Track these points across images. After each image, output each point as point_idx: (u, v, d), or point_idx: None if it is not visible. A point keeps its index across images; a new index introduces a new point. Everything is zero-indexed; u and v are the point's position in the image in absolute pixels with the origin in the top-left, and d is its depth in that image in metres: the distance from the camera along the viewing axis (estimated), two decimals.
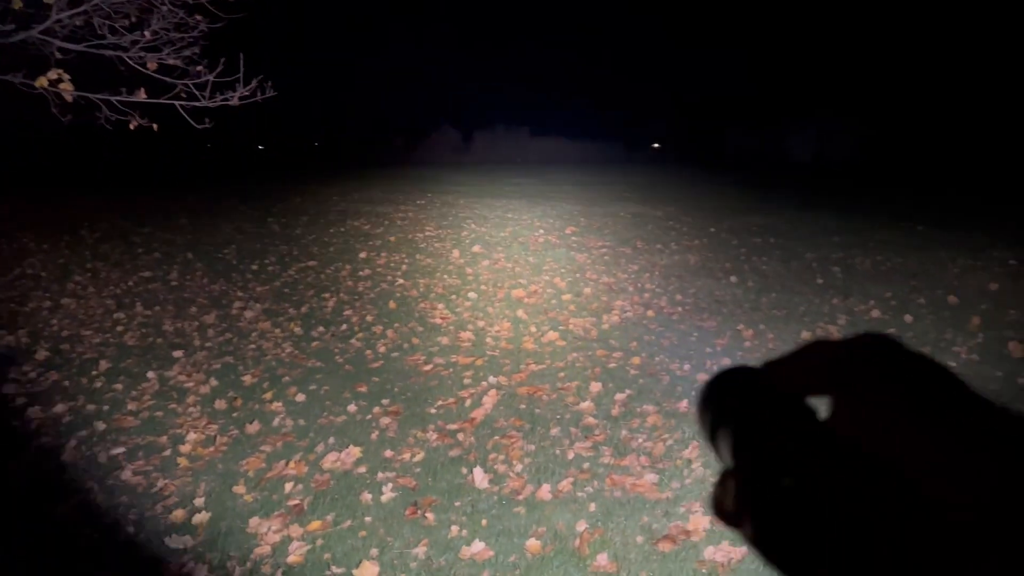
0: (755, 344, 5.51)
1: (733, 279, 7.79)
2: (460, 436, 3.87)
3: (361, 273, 8.00)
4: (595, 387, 4.56)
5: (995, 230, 11.09)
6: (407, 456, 3.65)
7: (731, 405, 0.31)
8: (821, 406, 0.30)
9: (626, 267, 8.51)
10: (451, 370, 4.92)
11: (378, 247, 9.72)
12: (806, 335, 5.73)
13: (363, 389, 4.57)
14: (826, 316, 6.29)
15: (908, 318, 6.16)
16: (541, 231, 11.33)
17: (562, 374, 4.85)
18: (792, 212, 13.37)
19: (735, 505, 0.28)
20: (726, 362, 5.05)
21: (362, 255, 9.08)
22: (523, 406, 4.29)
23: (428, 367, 4.99)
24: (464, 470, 3.48)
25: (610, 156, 37.16)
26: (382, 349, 5.38)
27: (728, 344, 5.53)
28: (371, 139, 29.42)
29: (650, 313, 6.45)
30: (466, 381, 4.71)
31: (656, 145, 42.42)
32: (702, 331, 5.90)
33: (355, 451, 3.64)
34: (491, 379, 4.70)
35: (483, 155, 31.82)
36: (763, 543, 0.27)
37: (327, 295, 7.00)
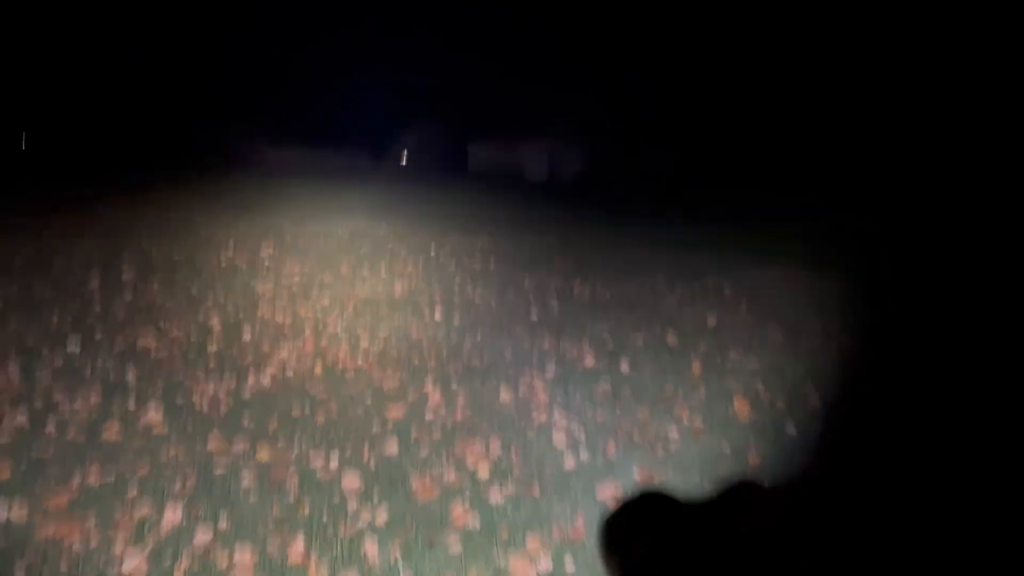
0: (439, 415, 4.19)
1: (438, 316, 6.52)
2: None
3: None
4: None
5: (714, 250, 11.03)
6: None
7: (641, 554, 0.54)
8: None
9: (315, 301, 6.92)
10: None
11: None
12: (505, 396, 4.52)
13: None
14: (534, 365, 5.17)
15: (625, 367, 5.21)
16: (230, 251, 9.40)
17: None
18: (519, 232, 12.60)
19: None
20: (390, 452, 3.66)
21: None
22: None
23: None
24: None
25: (355, 166, 35.39)
26: None
27: (405, 417, 4.15)
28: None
29: (319, 369, 4.93)
30: None
31: (405, 156, 41.37)
32: (378, 395, 4.48)
33: None
34: None
35: (206, 161, 28.29)
36: None
37: None
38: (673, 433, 4.08)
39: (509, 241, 11.29)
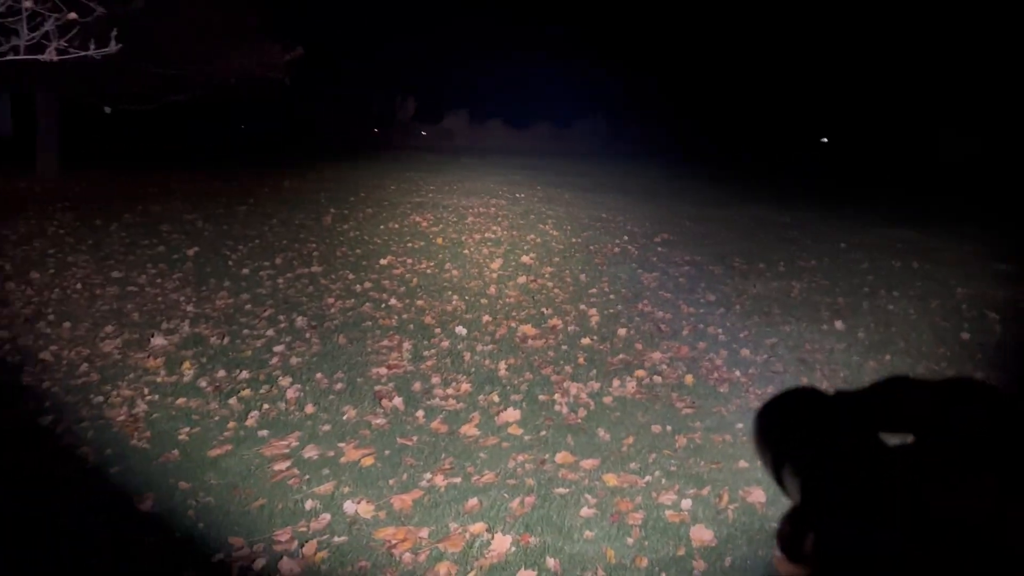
0: None
1: (839, 324, 5.59)
2: None
3: (356, 288, 6.46)
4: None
5: None
6: None
7: (798, 438, 0.31)
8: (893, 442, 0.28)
9: (701, 296, 6.46)
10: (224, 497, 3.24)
11: (412, 251, 8.17)
12: None
13: None
14: None
15: None
16: (624, 238, 9.36)
17: (480, 497, 3.04)
18: (954, 225, 10.54)
19: (803, 545, 0.28)
20: (754, 500, 3.06)
21: (383, 261, 7.54)
22: None
23: (228, 471, 3.33)
24: None
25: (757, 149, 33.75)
26: (143, 440, 3.75)
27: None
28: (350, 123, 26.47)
29: (688, 379, 4.47)
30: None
31: (824, 140, 38.18)
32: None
33: None
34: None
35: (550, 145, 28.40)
36: None
37: (283, 317, 5.51)
38: None
39: (941, 236, 9.50)
